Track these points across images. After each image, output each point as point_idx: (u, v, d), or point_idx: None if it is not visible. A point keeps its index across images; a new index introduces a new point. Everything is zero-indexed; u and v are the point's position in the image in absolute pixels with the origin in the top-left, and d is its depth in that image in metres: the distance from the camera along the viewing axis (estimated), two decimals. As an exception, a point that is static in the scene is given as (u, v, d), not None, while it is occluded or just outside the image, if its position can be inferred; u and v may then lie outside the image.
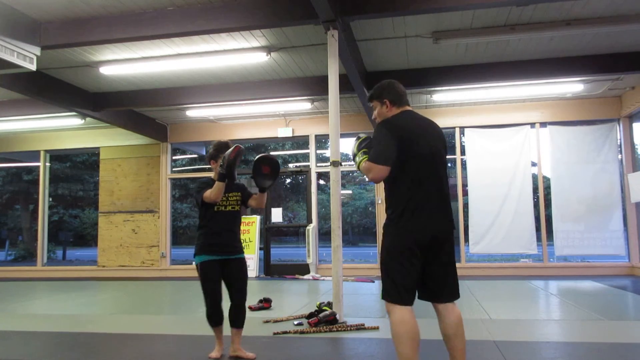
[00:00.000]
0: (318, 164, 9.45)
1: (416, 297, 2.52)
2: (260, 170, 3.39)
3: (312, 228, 8.97)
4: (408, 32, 5.77)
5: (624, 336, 3.97)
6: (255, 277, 8.93)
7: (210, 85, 7.60)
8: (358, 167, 2.73)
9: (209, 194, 3.26)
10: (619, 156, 8.45)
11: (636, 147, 8.49)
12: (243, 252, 3.51)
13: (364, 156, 2.65)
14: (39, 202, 10.64)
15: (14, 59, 4.96)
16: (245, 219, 9.16)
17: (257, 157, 3.42)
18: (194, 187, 3.46)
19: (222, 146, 3.43)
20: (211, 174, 3.56)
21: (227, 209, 3.44)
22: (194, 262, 3.44)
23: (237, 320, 3.43)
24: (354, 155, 2.79)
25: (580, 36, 5.92)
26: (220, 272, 3.38)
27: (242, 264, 3.44)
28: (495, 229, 8.49)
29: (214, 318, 3.41)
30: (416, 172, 2.49)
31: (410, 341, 2.36)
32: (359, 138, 2.80)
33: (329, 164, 4.81)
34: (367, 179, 2.76)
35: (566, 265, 8.64)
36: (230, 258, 3.40)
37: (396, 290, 2.43)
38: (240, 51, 6.14)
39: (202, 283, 3.38)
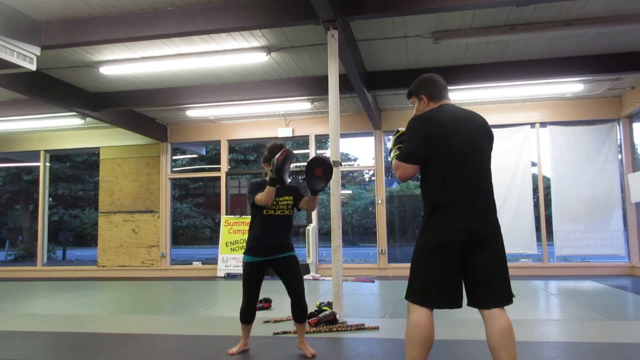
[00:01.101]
0: (318, 164, 9.42)
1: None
2: (313, 173, 3.33)
3: (312, 228, 8.97)
4: (408, 32, 5.77)
5: (624, 336, 3.97)
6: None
7: (210, 85, 7.59)
8: (392, 163, 2.60)
9: (260, 197, 3.27)
10: (619, 156, 8.45)
11: (636, 147, 8.49)
12: (293, 250, 3.54)
13: (397, 152, 2.54)
14: (39, 202, 10.65)
15: (14, 59, 4.96)
16: (245, 219, 9.16)
17: (309, 159, 3.38)
18: (248, 188, 3.50)
19: (275, 148, 3.39)
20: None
21: (276, 212, 3.45)
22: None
23: (298, 314, 3.51)
24: (390, 150, 2.67)
25: (580, 36, 5.92)
26: (264, 273, 3.49)
27: (292, 261, 3.50)
28: (495, 229, 8.48)
29: (245, 315, 3.52)
30: (448, 169, 2.36)
31: (420, 346, 2.27)
32: (397, 132, 2.67)
33: (329, 164, 4.80)
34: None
35: (566, 265, 8.64)
36: (280, 257, 3.46)
37: (417, 290, 2.34)
38: (240, 51, 6.14)
39: (243, 281, 3.50)
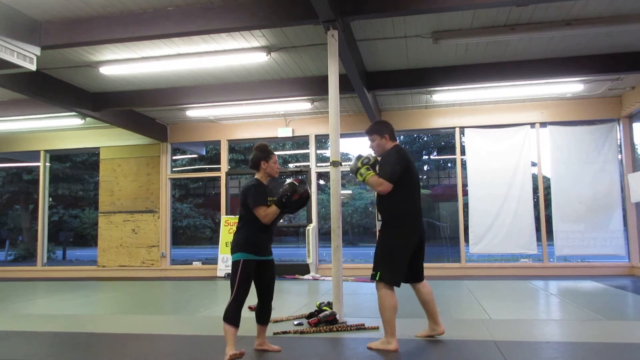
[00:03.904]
0: (318, 164, 9.45)
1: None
2: (292, 198, 3.44)
3: (312, 228, 8.97)
4: (408, 32, 5.77)
5: (624, 336, 3.97)
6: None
7: (210, 85, 7.59)
8: (364, 179, 3.69)
9: (264, 214, 3.37)
10: (619, 156, 8.45)
11: (636, 147, 8.49)
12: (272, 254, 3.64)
13: (369, 171, 3.69)
14: (39, 202, 10.64)
15: (14, 59, 4.96)
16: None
17: (298, 185, 3.47)
18: (248, 190, 3.47)
19: (265, 148, 3.64)
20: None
21: None
22: (232, 258, 3.42)
23: (265, 317, 3.61)
24: (357, 169, 3.73)
25: (580, 36, 5.92)
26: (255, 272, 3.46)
27: (272, 266, 3.59)
28: (495, 229, 8.49)
29: (238, 317, 3.36)
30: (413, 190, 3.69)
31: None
32: (360, 157, 3.76)
33: (329, 164, 4.81)
34: (374, 190, 3.75)
35: (566, 265, 8.63)
36: (265, 259, 3.50)
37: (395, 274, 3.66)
38: (240, 51, 6.14)
39: (239, 280, 3.32)
